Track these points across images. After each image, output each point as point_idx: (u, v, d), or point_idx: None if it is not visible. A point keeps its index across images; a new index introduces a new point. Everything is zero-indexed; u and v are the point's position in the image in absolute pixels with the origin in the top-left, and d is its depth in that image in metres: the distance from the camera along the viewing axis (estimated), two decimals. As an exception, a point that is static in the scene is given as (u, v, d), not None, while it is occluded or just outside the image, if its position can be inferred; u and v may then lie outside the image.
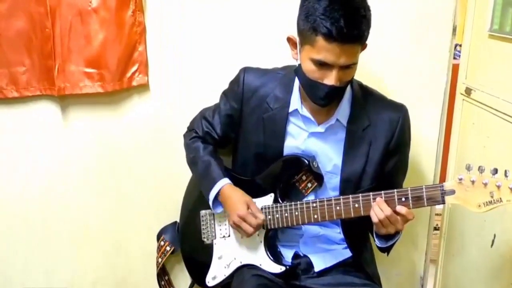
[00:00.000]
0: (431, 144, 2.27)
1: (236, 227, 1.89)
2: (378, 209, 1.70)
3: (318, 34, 1.63)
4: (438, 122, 2.25)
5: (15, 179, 2.36)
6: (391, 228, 1.71)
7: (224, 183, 1.93)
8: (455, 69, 2.24)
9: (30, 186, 2.37)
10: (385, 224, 1.70)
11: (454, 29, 2.17)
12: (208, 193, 1.94)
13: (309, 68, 1.71)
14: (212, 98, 2.07)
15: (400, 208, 1.68)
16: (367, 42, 1.72)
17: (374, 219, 1.71)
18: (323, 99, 1.74)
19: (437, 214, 2.45)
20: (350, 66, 1.70)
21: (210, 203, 1.95)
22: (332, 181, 1.89)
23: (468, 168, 1.60)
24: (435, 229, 2.47)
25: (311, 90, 1.76)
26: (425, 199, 1.66)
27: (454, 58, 2.24)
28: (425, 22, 2.16)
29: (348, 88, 1.85)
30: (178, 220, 2.25)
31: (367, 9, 1.68)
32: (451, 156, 2.29)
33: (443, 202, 1.65)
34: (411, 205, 1.68)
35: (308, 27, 1.66)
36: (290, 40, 1.80)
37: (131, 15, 2.16)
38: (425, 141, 2.25)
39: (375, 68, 2.17)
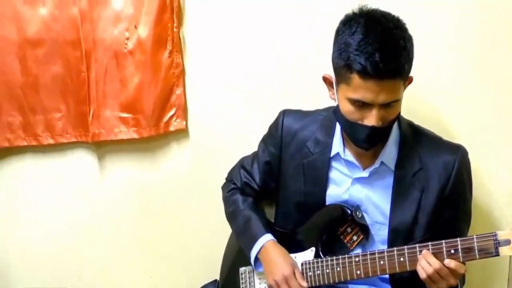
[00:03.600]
0: (507, 192, 2.15)
1: (276, 287, 1.86)
2: (425, 262, 1.63)
3: (353, 72, 1.61)
4: (516, 168, 2.15)
5: (47, 230, 2.45)
6: (442, 284, 1.65)
7: (266, 239, 1.91)
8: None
9: (62, 239, 2.45)
10: (435, 279, 1.64)
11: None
12: (249, 250, 1.94)
13: (347, 109, 1.68)
14: (256, 143, 2.08)
15: (449, 262, 1.61)
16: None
17: (422, 274, 1.65)
18: (365, 142, 1.71)
19: None
20: (391, 104, 1.65)
21: (252, 261, 1.94)
22: (381, 233, 1.84)
23: (526, 215, 1.51)
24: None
25: (352, 132, 1.73)
26: (476, 251, 1.59)
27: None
28: (490, 52, 2.09)
29: (395, 128, 1.81)
30: (218, 278, 2.23)
31: (407, 40, 1.64)
32: (530, 206, 2.15)
33: (497, 254, 1.57)
34: (461, 257, 1.61)
35: (342, 64, 1.64)
36: (326, 79, 1.79)
37: (168, 56, 2.23)
38: (499, 190, 2.15)
39: (436, 108, 2.12)
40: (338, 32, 1.68)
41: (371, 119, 1.65)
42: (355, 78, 1.61)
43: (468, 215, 1.89)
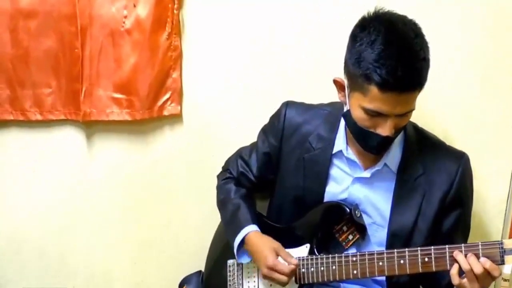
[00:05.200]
0: (500, 200, 2.18)
1: (269, 279, 1.84)
2: (463, 258, 1.60)
3: (372, 83, 1.57)
4: (509, 175, 2.16)
5: (33, 208, 2.40)
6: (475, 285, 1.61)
7: (250, 230, 1.89)
8: (530, 113, 2.16)
9: (48, 218, 2.41)
10: (470, 278, 1.60)
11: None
12: (232, 239, 1.92)
13: (360, 116, 1.66)
14: (253, 133, 2.06)
15: (485, 261, 1.58)
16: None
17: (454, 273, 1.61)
18: (375, 148, 1.71)
19: (504, 280, 2.25)
20: (407, 114, 1.65)
21: (235, 251, 1.92)
22: (378, 235, 1.84)
23: (533, 225, 1.52)
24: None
25: (362, 138, 1.72)
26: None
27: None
28: (494, 60, 2.10)
29: None
30: (203, 269, 2.22)
31: (426, 48, 1.62)
32: (522, 217, 2.18)
33: (503, 263, 1.57)
34: None
35: (359, 73, 1.60)
36: (336, 82, 1.76)
37: (166, 38, 2.19)
38: (493, 197, 2.17)
39: (436, 110, 2.13)
40: (355, 38, 1.63)
41: (385, 129, 1.63)
42: (374, 90, 1.58)
43: (467, 223, 1.89)
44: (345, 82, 1.71)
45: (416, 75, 1.58)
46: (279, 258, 1.82)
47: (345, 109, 1.75)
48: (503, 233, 2.20)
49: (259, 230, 1.90)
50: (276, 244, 1.85)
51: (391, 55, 1.55)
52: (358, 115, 1.66)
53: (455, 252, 1.61)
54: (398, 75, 1.54)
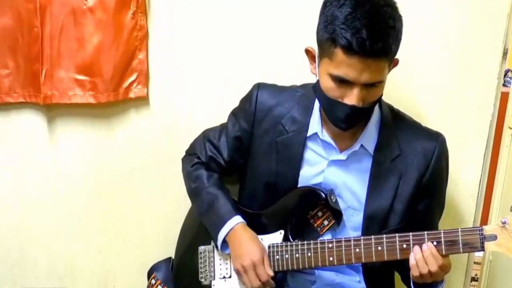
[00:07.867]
0: (472, 184, 2.21)
1: (243, 272, 1.83)
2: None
3: (337, 46, 1.58)
4: (482, 159, 2.19)
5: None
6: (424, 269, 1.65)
7: (236, 222, 1.87)
8: (504, 98, 2.18)
9: (6, 207, 2.36)
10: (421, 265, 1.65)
11: (505, 53, 2.12)
12: (216, 232, 1.89)
13: (328, 85, 1.66)
14: (221, 116, 2.04)
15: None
16: (399, 57, 1.68)
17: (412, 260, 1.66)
18: (343, 121, 1.69)
19: (476, 263, 2.35)
20: (375, 85, 1.64)
21: (219, 243, 1.89)
22: (354, 219, 1.84)
23: (514, 210, 1.54)
24: (473, 279, 2.36)
25: (330, 110, 1.71)
26: (460, 244, 1.61)
27: (504, 85, 2.18)
28: (471, 43, 2.11)
29: (376, 111, 1.81)
30: (173, 256, 2.19)
31: (397, 19, 1.61)
32: (495, 199, 2.21)
33: (482, 249, 1.60)
34: (444, 250, 1.63)
35: (326, 37, 1.61)
36: (308, 52, 1.76)
37: (131, 17, 2.14)
38: (465, 180, 2.20)
39: (410, 93, 2.13)
40: (326, 4, 1.64)
41: (351, 98, 1.62)
42: (339, 53, 1.58)
43: (442, 203, 1.92)
44: (316, 51, 1.71)
45: (381, 41, 1.56)
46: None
47: (315, 81, 1.74)
48: (475, 217, 2.24)
49: (244, 221, 1.88)
50: (264, 246, 1.85)
51: (358, 17, 1.55)
52: (326, 84, 1.66)
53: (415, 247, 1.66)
54: (363, 38, 1.53)
